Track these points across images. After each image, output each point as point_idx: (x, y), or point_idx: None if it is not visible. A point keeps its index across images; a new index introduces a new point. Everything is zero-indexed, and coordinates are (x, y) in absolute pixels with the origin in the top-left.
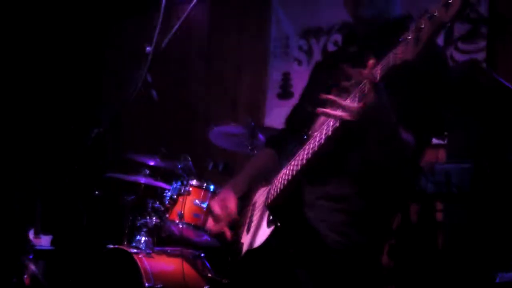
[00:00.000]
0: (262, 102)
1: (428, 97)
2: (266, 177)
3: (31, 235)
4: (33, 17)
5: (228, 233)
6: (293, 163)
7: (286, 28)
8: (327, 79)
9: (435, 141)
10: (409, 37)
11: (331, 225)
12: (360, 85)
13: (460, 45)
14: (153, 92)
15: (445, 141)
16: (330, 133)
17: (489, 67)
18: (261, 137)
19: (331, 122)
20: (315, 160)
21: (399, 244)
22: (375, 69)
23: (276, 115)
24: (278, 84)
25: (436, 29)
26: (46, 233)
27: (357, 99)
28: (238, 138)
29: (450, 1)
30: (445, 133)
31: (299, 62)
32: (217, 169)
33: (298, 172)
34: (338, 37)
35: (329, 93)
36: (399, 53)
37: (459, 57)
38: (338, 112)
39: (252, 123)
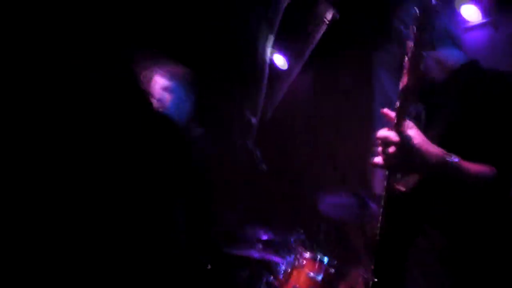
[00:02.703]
0: (370, 168)
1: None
2: None
3: None
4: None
5: None
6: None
7: (391, 94)
8: None
9: None
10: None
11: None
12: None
13: None
14: (262, 165)
15: None
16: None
17: None
18: (372, 206)
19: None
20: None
21: None
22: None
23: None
24: None
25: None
26: None
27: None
28: (347, 208)
29: None
30: None
31: None
32: (329, 238)
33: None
34: None
35: None
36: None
37: None
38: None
39: (362, 192)
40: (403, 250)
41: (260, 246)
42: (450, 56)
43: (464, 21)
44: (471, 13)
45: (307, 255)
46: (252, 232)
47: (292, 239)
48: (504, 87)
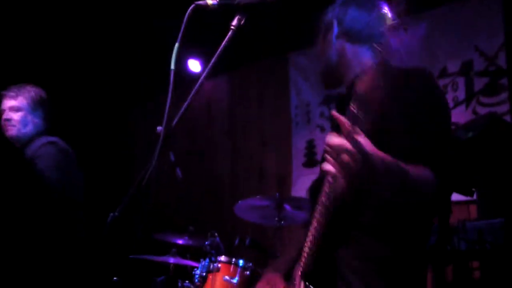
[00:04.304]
0: (288, 172)
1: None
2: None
3: None
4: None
5: None
6: (311, 228)
7: (306, 96)
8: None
9: (465, 198)
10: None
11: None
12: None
13: (482, 98)
14: (177, 170)
15: (475, 197)
16: (329, 204)
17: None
18: (287, 208)
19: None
20: (328, 224)
21: None
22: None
23: (303, 184)
24: (303, 153)
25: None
26: None
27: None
28: (264, 211)
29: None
30: (473, 189)
31: (322, 129)
32: (243, 244)
33: (316, 237)
34: None
35: None
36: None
37: (482, 110)
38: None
39: (278, 195)
40: (336, 257)
41: (175, 250)
42: (365, 53)
43: None
44: None
45: (222, 258)
46: (167, 237)
47: (207, 243)
48: (419, 82)
